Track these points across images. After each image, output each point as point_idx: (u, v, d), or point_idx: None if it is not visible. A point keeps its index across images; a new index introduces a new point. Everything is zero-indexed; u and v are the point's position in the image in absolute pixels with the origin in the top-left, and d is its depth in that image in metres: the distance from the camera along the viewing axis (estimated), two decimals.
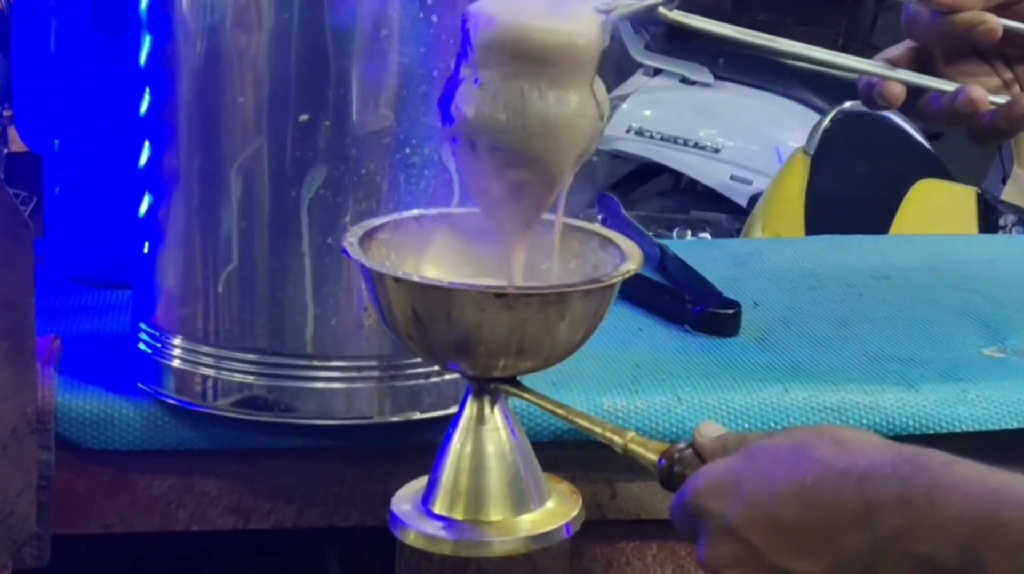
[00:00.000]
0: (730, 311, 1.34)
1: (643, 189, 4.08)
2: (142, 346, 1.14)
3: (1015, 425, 1.18)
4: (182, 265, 1.11)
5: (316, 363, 1.08)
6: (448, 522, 0.94)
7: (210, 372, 1.10)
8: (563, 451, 1.12)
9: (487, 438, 0.95)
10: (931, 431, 1.18)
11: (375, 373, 1.09)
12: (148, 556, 1.25)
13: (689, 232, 3.57)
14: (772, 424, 1.17)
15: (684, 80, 3.99)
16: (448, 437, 0.96)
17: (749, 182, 3.77)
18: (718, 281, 1.41)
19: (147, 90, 1.11)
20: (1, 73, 2.61)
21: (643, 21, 3.73)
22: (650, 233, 1.61)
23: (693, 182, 3.96)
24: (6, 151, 2.73)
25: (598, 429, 0.96)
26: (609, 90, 0.93)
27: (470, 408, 0.96)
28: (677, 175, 4.01)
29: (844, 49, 3.21)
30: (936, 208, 2.76)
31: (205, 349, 1.10)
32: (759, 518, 0.85)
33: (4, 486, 1.04)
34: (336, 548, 1.26)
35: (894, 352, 1.28)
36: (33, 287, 1.04)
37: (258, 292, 1.08)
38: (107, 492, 1.14)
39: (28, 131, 1.42)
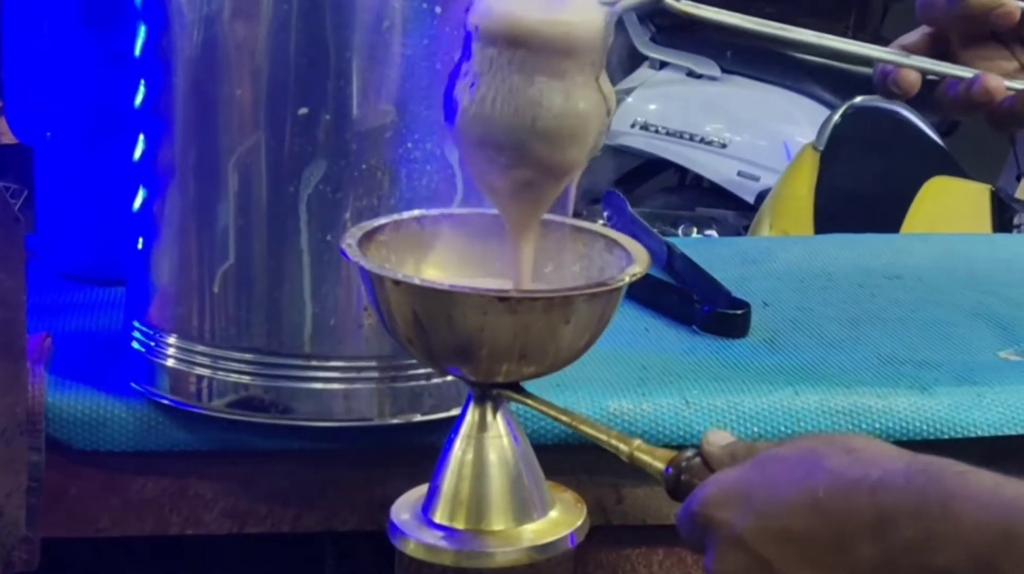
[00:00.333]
0: (739, 311, 1.33)
1: (648, 185, 4.07)
2: (135, 345, 1.13)
3: None
4: (177, 262, 1.10)
5: (314, 363, 1.07)
6: (449, 532, 0.94)
7: (205, 372, 1.09)
8: (567, 455, 1.11)
9: (489, 445, 0.94)
10: (946, 436, 1.17)
11: (375, 374, 1.08)
12: (141, 561, 1.24)
13: (695, 229, 3.56)
14: (782, 428, 1.16)
15: (691, 73, 3.98)
16: (449, 444, 0.96)
17: (757, 178, 3.76)
18: (727, 281, 1.40)
19: (142, 82, 1.10)
20: None
21: (649, 12, 3.72)
22: (655, 230, 1.59)
23: (699, 178, 3.95)
24: None
25: (604, 437, 0.95)
26: (613, 83, 0.92)
27: (472, 414, 0.95)
28: (683, 171, 4.00)
29: None
30: (949, 206, 2.75)
31: (200, 348, 1.09)
32: (769, 529, 0.84)
33: None
34: (334, 553, 1.25)
35: (907, 354, 1.27)
36: (24, 283, 1.03)
37: (255, 290, 1.07)
38: (99, 495, 1.13)
39: (19, 123, 1.41)
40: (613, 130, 3.75)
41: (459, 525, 0.94)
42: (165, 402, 1.11)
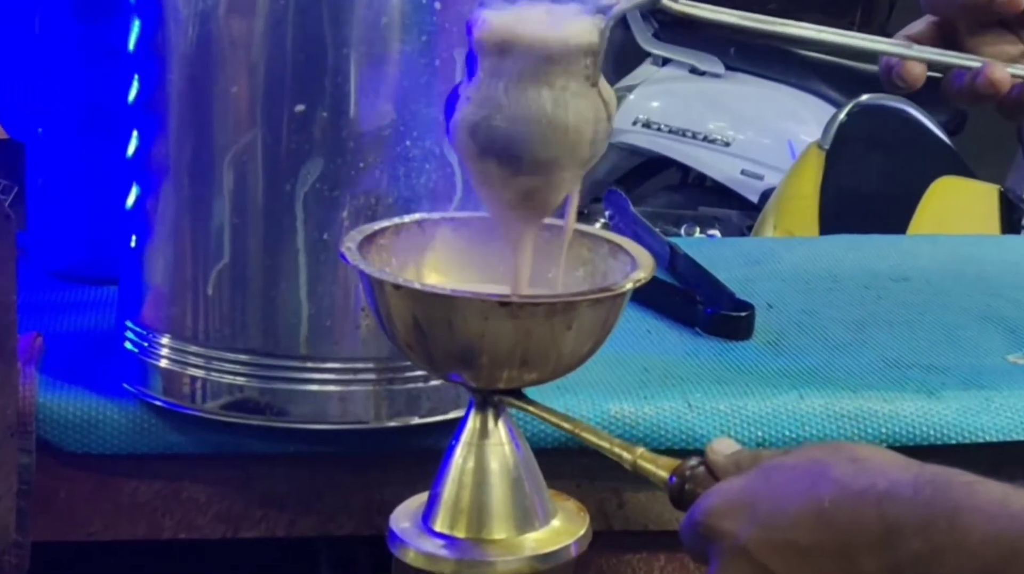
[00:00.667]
0: (743, 313, 1.31)
1: (650, 184, 4.06)
2: (128, 345, 1.12)
3: None
4: (171, 261, 1.09)
5: (310, 365, 1.06)
6: (449, 540, 0.93)
7: (199, 373, 1.08)
8: (568, 459, 1.10)
9: (490, 453, 0.93)
10: (953, 441, 1.16)
11: (372, 376, 1.07)
12: (133, 565, 1.23)
13: (698, 229, 3.56)
14: (787, 432, 1.15)
15: (694, 70, 3.97)
16: (450, 451, 0.95)
17: (761, 177, 3.75)
18: (730, 282, 1.39)
19: (136, 77, 1.09)
20: None
21: (651, 9, 3.70)
22: (657, 230, 1.58)
23: (702, 177, 3.94)
24: None
25: (606, 445, 0.94)
26: (616, 80, 0.91)
27: (472, 421, 0.94)
28: (685, 169, 3.99)
29: None
30: (956, 207, 2.74)
31: (194, 349, 1.08)
32: (774, 540, 0.83)
33: None
34: (329, 558, 1.26)
35: (914, 358, 1.26)
36: (14, 282, 1.02)
37: (250, 290, 1.06)
38: (90, 498, 1.13)
39: (9, 117, 1.40)
40: (615, 128, 3.73)
41: (460, 534, 0.93)
42: (158, 404, 1.10)
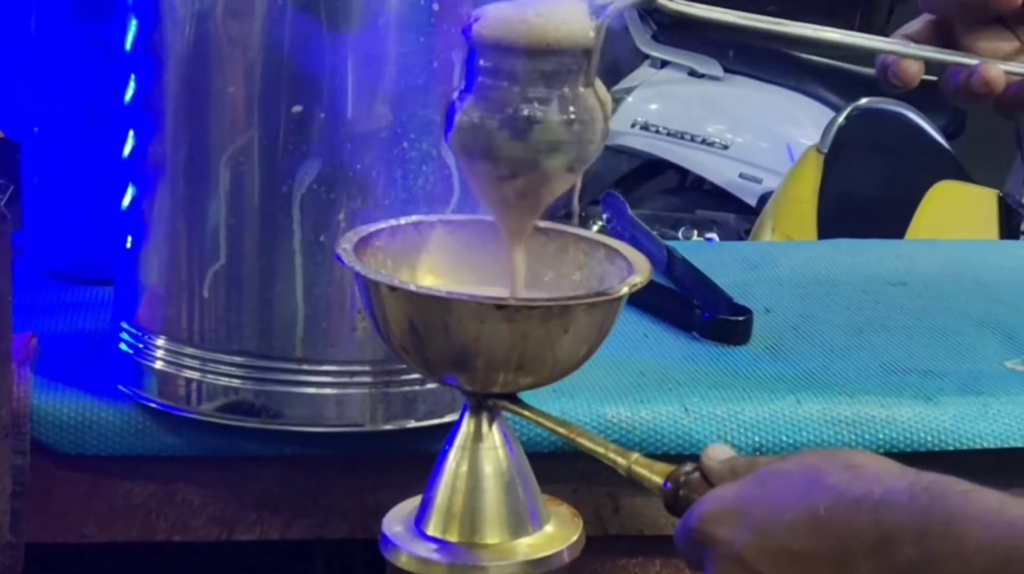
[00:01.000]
0: (740, 318, 1.31)
1: (648, 186, 4.05)
2: (123, 346, 1.12)
3: None
4: (166, 261, 1.08)
5: (306, 367, 1.06)
6: (442, 545, 0.93)
7: (194, 375, 1.08)
8: (563, 463, 1.10)
9: (484, 457, 0.93)
10: (950, 447, 1.16)
11: (368, 378, 1.07)
12: (126, 567, 1.23)
13: (695, 232, 3.55)
14: (783, 438, 1.15)
15: (692, 73, 3.96)
16: (443, 455, 0.94)
17: (759, 181, 3.74)
18: (728, 286, 1.39)
19: (132, 77, 1.09)
20: None
21: (649, 10, 3.70)
22: (654, 233, 1.58)
23: (700, 180, 3.93)
24: None
25: (601, 450, 0.94)
26: (614, 83, 0.91)
27: (467, 425, 0.94)
28: (683, 172, 3.99)
29: None
30: (955, 211, 2.73)
31: (189, 350, 1.08)
32: (769, 547, 0.83)
33: None
34: (324, 562, 1.25)
35: (912, 363, 1.26)
36: (9, 282, 1.02)
37: (246, 291, 1.06)
38: (84, 499, 1.12)
39: (6, 116, 1.40)
40: (613, 130, 3.72)
41: (452, 538, 0.93)
42: (153, 405, 1.10)
